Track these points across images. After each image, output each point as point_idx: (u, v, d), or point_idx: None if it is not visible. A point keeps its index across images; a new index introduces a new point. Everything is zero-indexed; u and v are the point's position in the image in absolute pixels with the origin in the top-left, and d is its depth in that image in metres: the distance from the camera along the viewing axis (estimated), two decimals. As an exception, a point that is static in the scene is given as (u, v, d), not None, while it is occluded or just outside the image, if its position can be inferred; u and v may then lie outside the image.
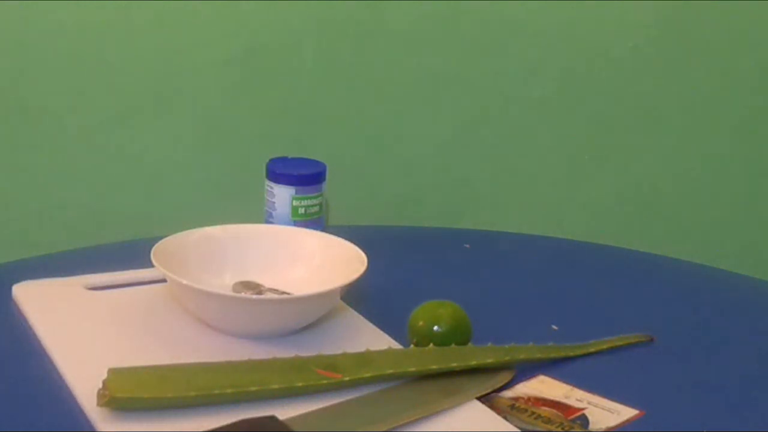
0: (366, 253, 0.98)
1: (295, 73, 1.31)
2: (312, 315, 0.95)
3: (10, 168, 1.25)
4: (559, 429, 0.82)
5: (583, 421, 0.84)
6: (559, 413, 0.84)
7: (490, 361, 0.90)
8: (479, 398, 0.85)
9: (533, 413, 0.84)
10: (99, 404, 0.77)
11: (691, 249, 1.38)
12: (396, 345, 0.93)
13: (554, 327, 1.02)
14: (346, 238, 1.02)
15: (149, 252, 0.94)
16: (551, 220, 1.43)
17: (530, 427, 0.82)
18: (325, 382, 0.83)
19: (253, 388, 0.80)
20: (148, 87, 1.26)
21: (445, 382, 0.87)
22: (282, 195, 1.16)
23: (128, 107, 1.26)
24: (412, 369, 0.87)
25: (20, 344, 0.91)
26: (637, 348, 0.99)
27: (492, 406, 0.84)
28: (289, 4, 1.27)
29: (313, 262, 1.03)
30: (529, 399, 0.87)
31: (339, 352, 0.88)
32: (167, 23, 1.24)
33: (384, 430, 0.78)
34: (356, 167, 1.35)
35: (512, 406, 0.85)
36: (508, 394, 0.87)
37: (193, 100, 1.28)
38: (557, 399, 0.87)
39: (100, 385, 0.77)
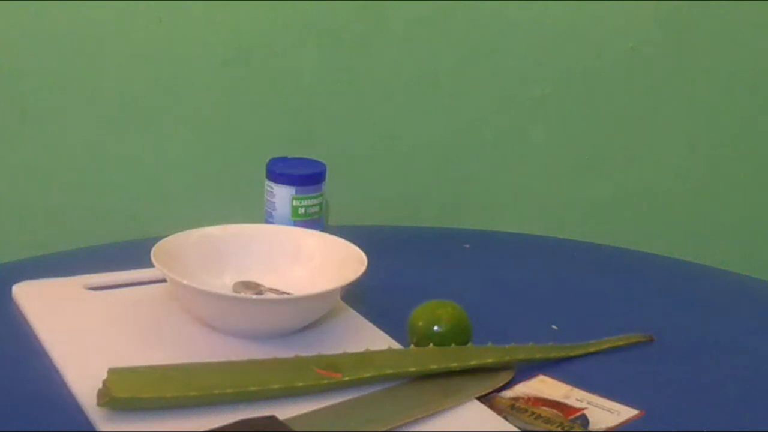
0: (366, 253, 0.98)
1: (295, 73, 1.31)
2: (312, 315, 0.95)
3: (10, 168, 1.25)
4: (559, 429, 0.82)
5: (583, 421, 0.84)
6: (559, 413, 0.84)
7: (490, 361, 0.90)
8: (479, 398, 0.85)
9: (533, 413, 0.84)
10: (99, 404, 0.77)
11: (691, 249, 1.38)
12: (396, 345, 0.93)
13: (554, 327, 1.02)
14: (346, 238, 1.02)
15: (149, 252, 0.93)
16: (551, 220, 1.43)
17: (530, 427, 0.82)
18: (325, 382, 0.83)
19: (253, 388, 0.80)
20: (148, 87, 1.26)
21: (445, 382, 0.87)
22: (282, 195, 1.16)
23: (128, 107, 1.26)
24: (412, 369, 0.87)
25: (20, 344, 0.91)
26: (637, 348, 0.99)
27: (492, 406, 0.84)
28: (289, 4, 1.27)
29: (313, 262, 1.03)
30: (529, 399, 0.87)
31: (339, 352, 0.88)
32: (166, 23, 1.24)
33: (384, 430, 0.78)
34: (356, 167, 1.35)
35: (512, 406, 0.85)
36: (508, 394, 0.87)
37: (193, 99, 1.28)
38: (557, 399, 0.87)
39: (100, 385, 0.78)
